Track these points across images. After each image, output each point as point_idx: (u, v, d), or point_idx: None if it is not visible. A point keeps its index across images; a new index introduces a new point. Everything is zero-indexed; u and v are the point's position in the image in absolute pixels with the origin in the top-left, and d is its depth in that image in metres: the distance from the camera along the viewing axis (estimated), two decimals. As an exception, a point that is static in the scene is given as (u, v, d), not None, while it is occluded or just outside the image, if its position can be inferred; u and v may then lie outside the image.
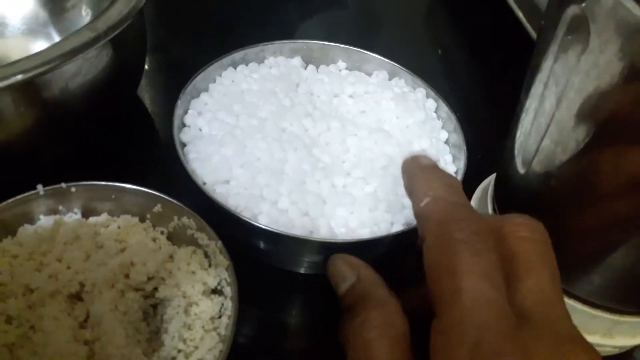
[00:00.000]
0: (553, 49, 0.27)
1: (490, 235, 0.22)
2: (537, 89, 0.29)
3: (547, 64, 0.28)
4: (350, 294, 0.26)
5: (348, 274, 0.26)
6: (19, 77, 0.29)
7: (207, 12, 0.62)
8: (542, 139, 0.29)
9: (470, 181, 0.42)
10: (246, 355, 0.34)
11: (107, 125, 0.41)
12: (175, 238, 0.34)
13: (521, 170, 0.33)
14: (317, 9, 0.66)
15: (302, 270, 0.37)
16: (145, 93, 0.51)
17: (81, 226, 0.33)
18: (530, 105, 0.31)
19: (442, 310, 0.20)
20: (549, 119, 0.28)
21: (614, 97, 0.24)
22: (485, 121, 0.53)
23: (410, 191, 0.26)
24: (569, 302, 0.33)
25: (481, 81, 0.60)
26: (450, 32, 0.68)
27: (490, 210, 0.37)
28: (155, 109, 0.50)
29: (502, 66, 0.60)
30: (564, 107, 0.27)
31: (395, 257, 0.38)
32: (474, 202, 0.41)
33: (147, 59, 0.46)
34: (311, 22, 0.64)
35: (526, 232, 0.23)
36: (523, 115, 0.32)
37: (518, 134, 0.33)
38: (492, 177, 0.40)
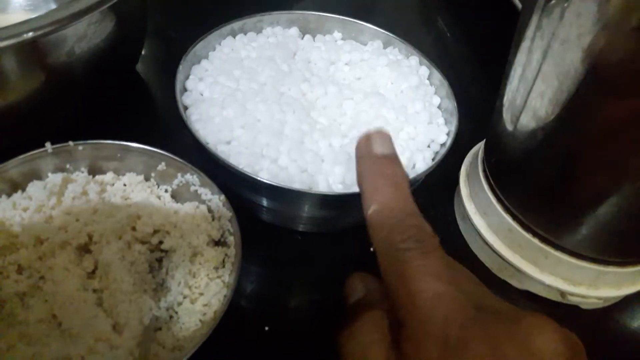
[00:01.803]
0: (540, 3, 0.28)
1: (433, 239, 0.23)
2: (525, 43, 0.31)
3: (534, 19, 0.29)
4: (356, 306, 0.27)
5: (359, 287, 0.28)
6: (30, 34, 0.31)
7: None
8: (529, 93, 0.31)
9: (461, 148, 0.44)
10: (247, 304, 0.36)
11: (111, 92, 0.42)
12: (179, 196, 0.36)
13: (509, 127, 0.34)
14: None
15: (300, 228, 0.38)
16: (145, 67, 0.52)
17: (88, 182, 0.34)
18: (519, 60, 0.32)
19: (404, 318, 0.21)
20: (535, 72, 0.30)
21: (597, 45, 0.25)
22: (476, 91, 0.54)
23: (360, 188, 0.26)
24: (556, 254, 0.35)
25: (472, 54, 0.62)
26: (443, 5, 0.70)
27: (480, 172, 0.39)
28: (155, 80, 0.51)
29: (492, 40, 0.61)
30: (550, 58, 0.28)
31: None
32: (464, 167, 0.42)
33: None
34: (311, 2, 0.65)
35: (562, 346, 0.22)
36: (512, 72, 0.33)
37: (507, 91, 0.34)
38: (482, 143, 0.41)
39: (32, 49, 0.33)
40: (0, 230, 0.31)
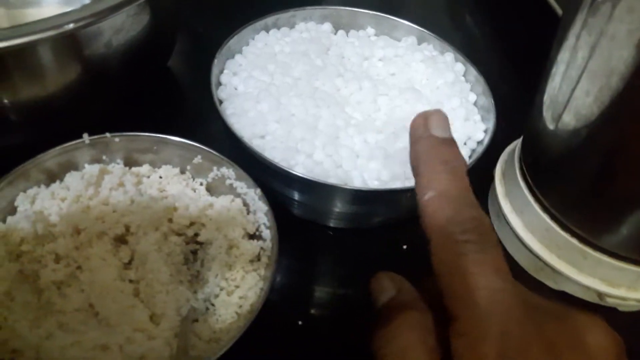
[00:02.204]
0: (587, 0, 0.28)
1: (492, 233, 0.22)
2: (569, 41, 0.30)
3: (580, 16, 0.29)
4: (389, 306, 0.25)
5: (389, 287, 0.26)
6: (71, 25, 0.31)
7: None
8: (573, 91, 0.30)
9: (496, 146, 0.43)
10: (279, 298, 0.36)
11: (145, 85, 0.42)
12: (214, 189, 0.36)
13: (550, 125, 0.34)
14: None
15: (332, 223, 0.38)
16: (177, 62, 0.52)
17: (125, 174, 0.34)
18: (562, 58, 0.31)
19: (459, 313, 0.20)
20: (580, 70, 0.29)
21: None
22: (506, 88, 0.54)
23: (415, 171, 0.24)
24: (595, 255, 0.34)
25: (501, 51, 0.61)
26: (471, 1, 0.69)
27: (517, 170, 0.38)
28: (187, 74, 0.51)
29: (521, 36, 0.61)
30: (597, 56, 0.28)
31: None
32: (500, 164, 0.42)
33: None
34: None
35: (605, 342, 0.22)
36: (554, 69, 0.32)
37: (548, 89, 0.33)
38: (518, 141, 0.41)
39: (72, 40, 0.34)
40: (39, 220, 0.31)
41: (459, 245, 0.21)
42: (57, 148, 0.34)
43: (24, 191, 0.33)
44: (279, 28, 0.44)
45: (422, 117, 0.25)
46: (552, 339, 0.20)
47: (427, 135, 0.25)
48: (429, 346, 0.21)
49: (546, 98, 0.34)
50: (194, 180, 0.36)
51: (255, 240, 0.33)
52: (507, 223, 0.38)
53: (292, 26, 0.45)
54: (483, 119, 0.39)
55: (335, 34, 0.45)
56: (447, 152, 0.24)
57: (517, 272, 0.39)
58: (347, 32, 0.45)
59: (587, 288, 0.36)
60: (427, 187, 0.23)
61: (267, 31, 0.43)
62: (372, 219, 0.39)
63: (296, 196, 0.36)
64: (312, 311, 0.36)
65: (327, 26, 0.45)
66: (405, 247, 0.39)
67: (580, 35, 0.29)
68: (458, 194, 0.22)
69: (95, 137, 0.34)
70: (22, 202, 0.32)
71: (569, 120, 0.31)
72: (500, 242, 0.22)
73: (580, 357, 0.20)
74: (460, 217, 0.21)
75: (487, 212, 0.42)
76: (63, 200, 0.33)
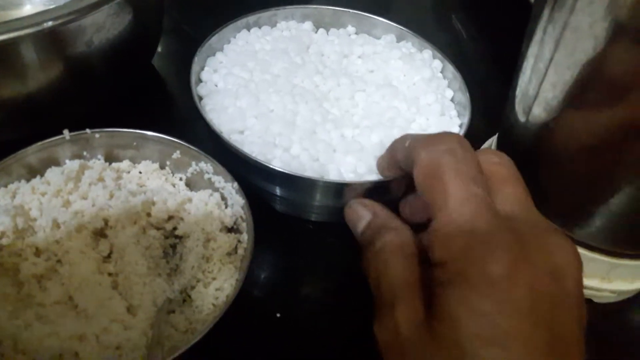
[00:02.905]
0: (552, -7, 0.29)
1: (469, 145, 0.25)
2: (537, 35, 0.31)
3: (547, 9, 0.29)
4: (368, 230, 0.28)
5: (364, 213, 0.29)
6: (49, 23, 0.31)
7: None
8: (541, 84, 0.31)
9: (474, 142, 0.43)
10: (259, 291, 0.36)
11: (127, 83, 0.43)
12: (193, 184, 0.36)
13: (522, 118, 0.34)
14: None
15: (312, 217, 0.39)
16: (160, 60, 0.53)
17: (105, 169, 0.35)
18: (532, 52, 0.32)
19: (435, 213, 0.23)
20: (547, 63, 0.30)
21: (609, 33, 0.25)
22: (489, 87, 0.54)
23: (391, 148, 0.30)
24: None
25: (487, 51, 0.62)
26: (458, 3, 0.70)
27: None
28: (170, 72, 0.52)
29: (507, 37, 0.61)
30: (562, 48, 0.28)
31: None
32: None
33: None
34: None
35: (496, 159, 0.27)
36: (524, 64, 0.33)
37: (519, 83, 0.34)
38: (495, 137, 0.41)
39: (52, 38, 0.34)
40: (19, 214, 0.32)
41: (440, 154, 0.24)
42: (38, 144, 0.34)
43: (5, 186, 0.33)
44: (260, 27, 0.45)
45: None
46: (520, 239, 0.21)
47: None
48: (407, 253, 0.25)
49: (518, 92, 0.35)
50: (173, 175, 0.37)
51: (233, 233, 0.33)
52: (484, 216, 0.39)
53: (273, 25, 0.45)
54: (459, 115, 0.40)
55: (316, 32, 0.45)
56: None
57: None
58: (327, 31, 0.45)
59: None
60: (404, 140, 0.27)
61: (249, 29, 0.44)
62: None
63: (276, 190, 0.36)
64: (291, 304, 0.36)
65: (307, 25, 0.45)
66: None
67: (547, 29, 0.30)
68: (428, 134, 0.26)
69: (76, 133, 0.35)
70: (2, 197, 0.33)
71: (539, 112, 0.32)
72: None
73: (545, 262, 0.21)
74: (439, 134, 0.25)
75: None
76: (43, 194, 0.33)
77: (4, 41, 0.31)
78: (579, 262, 0.23)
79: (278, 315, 0.35)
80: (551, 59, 0.30)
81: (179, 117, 0.45)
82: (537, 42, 0.31)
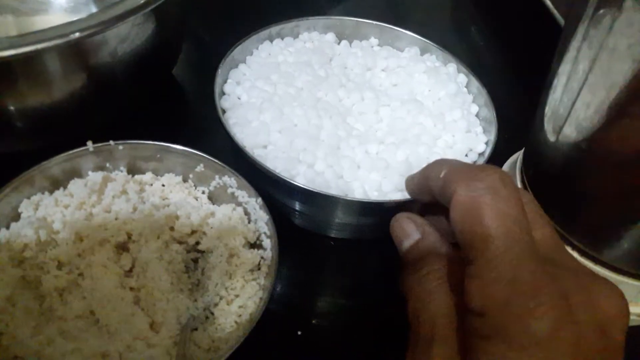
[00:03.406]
0: (588, 12, 0.28)
1: (510, 180, 0.23)
2: (570, 53, 0.30)
3: (581, 28, 0.29)
4: (414, 250, 0.27)
5: (412, 231, 0.27)
6: (77, 34, 0.31)
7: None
8: (573, 104, 0.30)
9: (498, 158, 0.43)
10: (279, 308, 0.36)
11: (149, 94, 0.43)
12: (215, 198, 0.36)
13: (551, 137, 0.34)
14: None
15: (333, 234, 0.38)
16: (182, 71, 0.52)
17: (128, 182, 0.35)
18: (563, 70, 0.31)
19: (475, 256, 0.21)
20: (581, 82, 0.29)
21: (648, 55, 0.25)
22: (509, 100, 0.54)
23: (425, 174, 0.27)
24: (595, 269, 0.34)
25: (506, 63, 0.61)
26: (477, 14, 0.69)
27: (519, 183, 0.38)
28: (191, 83, 0.51)
29: (527, 49, 0.61)
30: (597, 68, 0.28)
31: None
32: (501, 175, 0.41)
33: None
34: (341, 6, 0.66)
35: (525, 198, 0.25)
36: (555, 81, 0.33)
37: (549, 101, 0.34)
38: (520, 153, 0.41)
39: (78, 49, 0.34)
40: (42, 226, 0.31)
41: (480, 193, 0.22)
42: (62, 155, 0.34)
43: (28, 197, 0.33)
44: (282, 38, 0.44)
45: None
46: (565, 291, 0.20)
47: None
48: (455, 287, 0.23)
49: (547, 110, 0.34)
50: (196, 188, 0.36)
51: (256, 250, 0.33)
52: (509, 234, 0.38)
53: (295, 36, 0.45)
54: (485, 131, 0.39)
55: (338, 44, 0.45)
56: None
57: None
58: (350, 43, 0.45)
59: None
60: (440, 170, 0.25)
61: (271, 41, 0.44)
62: (373, 230, 0.39)
63: (297, 206, 0.36)
64: (312, 321, 0.36)
65: (330, 36, 0.45)
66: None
67: (581, 48, 0.29)
68: (466, 165, 0.25)
69: (99, 144, 0.35)
70: (25, 209, 0.33)
71: (570, 132, 0.31)
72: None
73: (592, 316, 0.21)
74: (478, 170, 0.23)
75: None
76: (66, 207, 0.33)
77: (30, 52, 0.31)
78: (626, 310, 0.22)
79: (299, 333, 0.35)
80: (585, 79, 0.29)
81: (201, 129, 0.45)
82: (570, 61, 0.31)
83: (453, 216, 0.23)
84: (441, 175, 0.25)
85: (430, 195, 0.27)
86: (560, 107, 0.32)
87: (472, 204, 0.22)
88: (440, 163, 0.26)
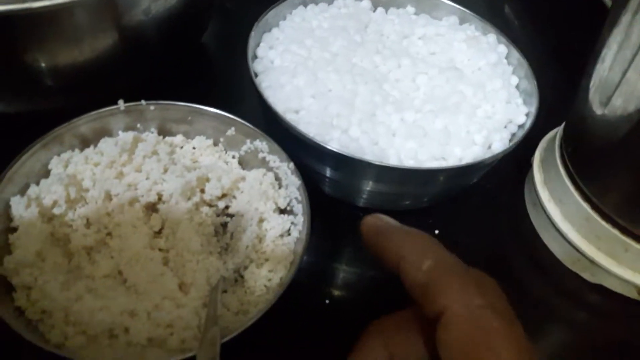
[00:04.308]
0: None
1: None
2: (624, 20, 0.29)
3: (638, -7, 0.27)
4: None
5: (380, 355, 0.21)
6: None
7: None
8: (625, 72, 0.29)
9: (535, 132, 0.41)
10: (306, 276, 0.35)
11: (178, 57, 0.42)
12: (245, 163, 0.35)
13: (597, 110, 0.32)
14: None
15: (361, 203, 0.37)
16: (211, 35, 0.51)
17: (159, 143, 0.34)
18: (614, 39, 0.30)
19: None
20: (635, 50, 0.28)
21: None
22: (544, 76, 0.52)
23: (398, 251, 0.21)
24: (638, 247, 0.33)
25: (541, 41, 0.59)
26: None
27: (558, 158, 0.37)
28: (221, 47, 0.50)
29: (565, 24, 0.59)
30: (656, 34, 0.26)
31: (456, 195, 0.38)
32: (539, 151, 0.40)
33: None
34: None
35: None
36: (604, 50, 0.31)
37: (596, 71, 0.32)
38: (559, 128, 0.39)
39: (111, 5, 0.33)
40: (72, 183, 0.31)
41: (481, 313, 0.18)
42: (92, 113, 0.33)
43: (58, 155, 0.33)
44: (317, 3, 0.43)
45: (371, 217, 0.23)
46: None
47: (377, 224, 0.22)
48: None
49: (594, 81, 0.33)
50: (226, 152, 0.35)
51: (286, 215, 0.32)
52: (545, 212, 0.37)
53: (330, 2, 0.44)
54: (525, 103, 0.38)
55: (374, 11, 0.44)
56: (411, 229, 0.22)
57: (551, 263, 0.38)
58: (386, 10, 0.44)
59: (627, 282, 0.34)
60: (422, 257, 0.20)
61: (305, 6, 0.43)
62: (404, 200, 0.38)
63: (328, 173, 0.35)
64: (339, 291, 0.35)
65: (366, 3, 0.44)
66: (437, 232, 0.38)
67: (637, 13, 0.28)
68: (453, 260, 0.20)
69: (130, 104, 0.34)
70: (55, 166, 0.32)
71: (620, 103, 0.30)
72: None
73: None
74: (473, 279, 0.19)
75: (523, 200, 0.41)
76: (96, 165, 0.32)
77: (63, 5, 0.30)
78: None
79: (327, 302, 0.34)
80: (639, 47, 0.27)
81: (230, 94, 0.44)
82: (623, 28, 0.29)
83: (445, 338, 0.18)
84: (424, 268, 0.19)
85: (391, 269, 0.21)
86: (609, 77, 0.31)
87: (473, 329, 0.18)
88: (422, 247, 0.20)
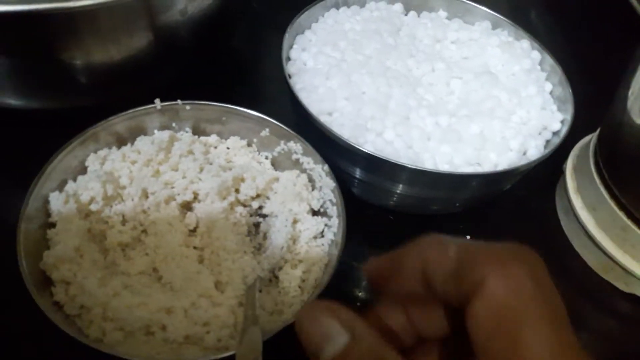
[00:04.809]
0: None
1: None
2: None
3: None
4: None
5: (335, 330, 0.17)
6: (153, -12, 0.31)
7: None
8: (669, 81, 0.29)
9: (566, 139, 0.41)
10: (336, 279, 0.35)
11: (213, 57, 0.42)
12: (278, 164, 0.35)
13: (636, 119, 0.32)
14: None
15: (391, 206, 0.37)
16: (242, 36, 0.52)
17: (194, 142, 0.34)
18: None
19: None
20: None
21: None
22: (574, 83, 0.52)
23: (415, 256, 0.18)
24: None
25: (568, 49, 0.59)
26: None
27: (592, 165, 0.37)
28: (252, 49, 0.51)
29: (595, 31, 0.58)
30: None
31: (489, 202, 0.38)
32: (571, 158, 0.40)
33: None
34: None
35: None
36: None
37: (635, 80, 0.32)
38: (593, 135, 0.39)
39: (150, 4, 0.34)
40: (109, 180, 0.31)
41: (522, 290, 0.16)
42: (129, 112, 0.34)
43: (95, 152, 0.33)
44: (349, 6, 0.43)
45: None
46: None
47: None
48: None
49: (633, 90, 0.32)
50: (259, 153, 0.36)
51: (320, 217, 0.32)
52: (577, 219, 0.37)
53: (362, 5, 0.44)
54: (559, 110, 0.37)
55: (406, 15, 0.44)
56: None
57: (584, 271, 0.37)
58: (418, 14, 0.44)
59: (662, 292, 0.34)
60: (442, 247, 0.18)
61: (337, 9, 0.43)
62: (433, 204, 0.38)
63: (359, 174, 0.35)
64: (368, 295, 0.35)
65: (398, 6, 0.44)
66: (468, 237, 0.38)
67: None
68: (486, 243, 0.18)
69: (167, 103, 0.34)
70: (92, 162, 0.33)
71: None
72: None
73: None
74: (511, 252, 0.17)
75: (554, 207, 0.41)
76: (133, 163, 0.33)
77: (103, 5, 0.31)
78: None
79: (358, 304, 0.34)
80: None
81: (262, 95, 0.44)
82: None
83: (482, 314, 0.16)
84: (450, 254, 0.18)
85: (412, 286, 0.18)
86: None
87: (510, 303, 0.16)
88: (439, 242, 0.18)
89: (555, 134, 0.36)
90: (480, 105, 0.35)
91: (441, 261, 0.18)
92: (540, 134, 0.36)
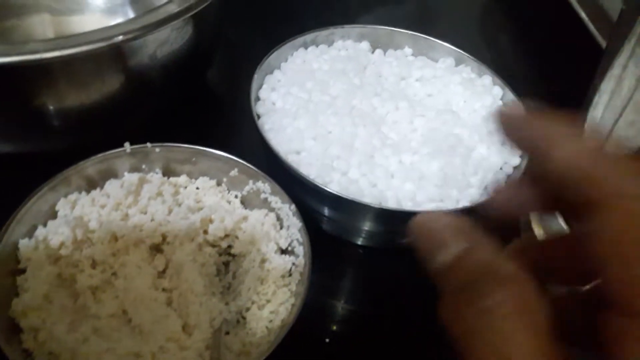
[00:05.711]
0: (635, 30, 0.28)
1: None
2: (615, 70, 0.30)
3: (628, 46, 0.28)
4: (458, 270, 0.17)
5: (452, 239, 0.17)
6: (120, 37, 0.32)
7: (268, 2, 0.64)
8: (616, 121, 0.30)
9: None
10: (307, 314, 0.36)
11: (183, 97, 0.43)
12: (248, 202, 0.36)
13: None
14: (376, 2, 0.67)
15: (360, 242, 0.38)
16: (214, 76, 0.53)
17: (163, 184, 0.35)
18: (605, 89, 0.31)
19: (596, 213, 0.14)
20: (626, 101, 0.29)
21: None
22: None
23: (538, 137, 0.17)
24: None
25: (536, 72, 0.61)
26: (506, 23, 0.69)
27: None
28: (224, 88, 0.52)
29: (561, 62, 0.60)
30: (644, 87, 0.28)
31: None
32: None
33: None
34: (370, 16, 0.66)
35: None
36: (596, 98, 0.32)
37: (589, 118, 0.33)
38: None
39: (119, 52, 0.35)
40: (79, 225, 0.32)
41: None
42: (99, 155, 0.34)
43: (65, 196, 0.34)
44: (317, 45, 0.44)
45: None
46: None
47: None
48: (540, 327, 0.15)
49: (587, 127, 0.34)
50: (229, 192, 0.36)
51: (288, 256, 0.33)
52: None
53: (330, 44, 0.45)
54: (520, 144, 0.39)
55: (372, 52, 0.45)
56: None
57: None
58: (384, 51, 0.45)
59: None
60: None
61: (306, 48, 0.44)
62: (402, 238, 0.39)
63: (328, 213, 0.36)
64: (339, 329, 0.36)
65: (364, 45, 0.45)
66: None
67: (627, 66, 0.29)
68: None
69: (136, 146, 0.35)
70: (62, 207, 0.33)
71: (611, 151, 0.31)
72: None
73: None
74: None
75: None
76: (103, 207, 0.33)
77: (74, 54, 0.32)
78: None
79: (327, 340, 0.35)
80: (631, 97, 0.29)
81: (234, 134, 0.45)
82: (614, 78, 0.30)
83: (606, 227, 0.15)
84: (591, 146, 0.16)
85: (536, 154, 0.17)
86: (601, 124, 0.32)
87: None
88: (577, 132, 0.17)
89: (515, 168, 0.37)
90: (441, 142, 0.37)
91: (575, 153, 0.16)
92: (501, 168, 0.37)
